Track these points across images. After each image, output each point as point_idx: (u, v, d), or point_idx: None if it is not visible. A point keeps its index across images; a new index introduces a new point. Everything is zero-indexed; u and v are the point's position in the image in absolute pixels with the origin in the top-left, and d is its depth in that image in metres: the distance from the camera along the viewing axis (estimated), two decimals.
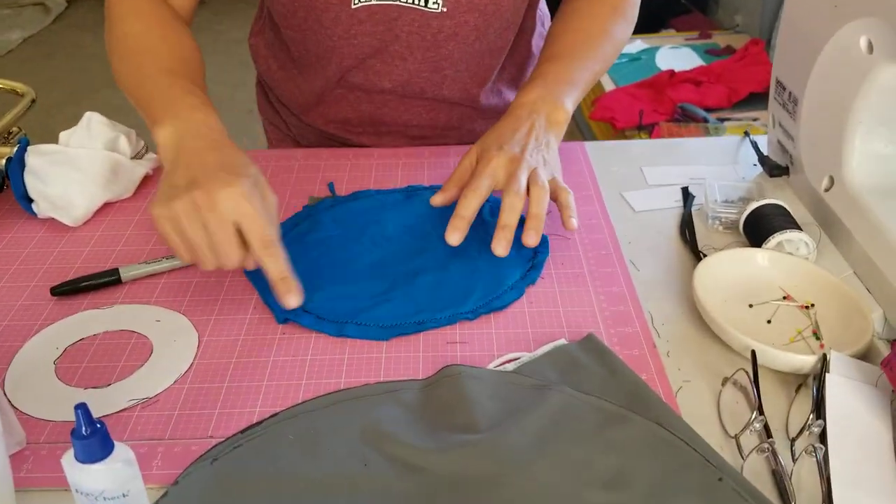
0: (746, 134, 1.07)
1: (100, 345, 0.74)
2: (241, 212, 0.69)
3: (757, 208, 0.85)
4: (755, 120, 2.53)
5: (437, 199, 0.85)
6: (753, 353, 0.68)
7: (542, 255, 0.84)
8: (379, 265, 0.83)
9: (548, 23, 1.15)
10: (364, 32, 0.96)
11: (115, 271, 0.81)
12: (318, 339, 0.74)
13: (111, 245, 0.87)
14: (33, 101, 1.28)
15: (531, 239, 0.78)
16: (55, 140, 0.92)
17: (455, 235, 0.79)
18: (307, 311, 0.76)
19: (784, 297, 0.78)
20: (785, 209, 0.85)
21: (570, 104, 0.89)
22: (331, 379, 0.69)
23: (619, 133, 2.52)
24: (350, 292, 0.79)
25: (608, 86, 2.74)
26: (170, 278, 0.82)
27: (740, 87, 2.61)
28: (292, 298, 0.71)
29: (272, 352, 0.73)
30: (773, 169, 0.94)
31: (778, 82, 0.92)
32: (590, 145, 1.07)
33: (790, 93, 0.89)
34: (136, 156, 0.96)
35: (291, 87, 1.09)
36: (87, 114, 0.94)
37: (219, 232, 0.69)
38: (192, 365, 0.71)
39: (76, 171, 0.90)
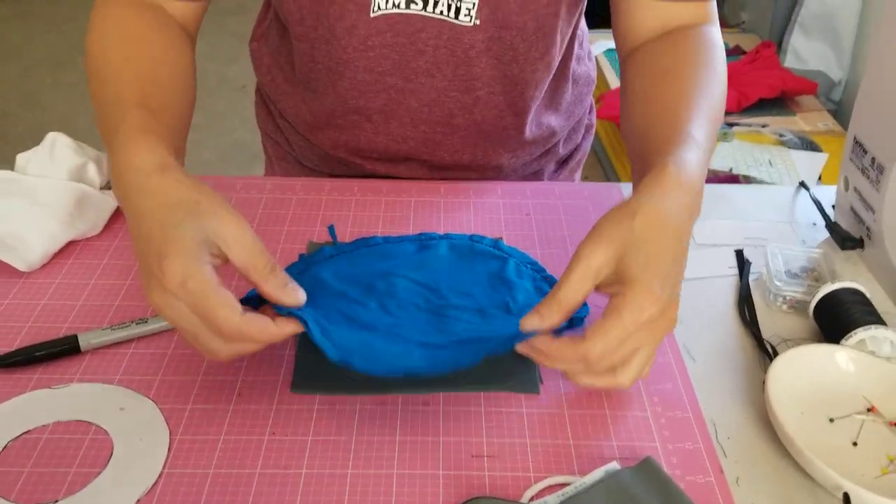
0: (803, 186, 0.94)
1: (48, 441, 0.60)
2: (194, 306, 0.55)
3: (831, 292, 0.73)
4: (764, 126, 2.46)
5: (530, 323, 0.59)
6: (846, 497, 0.56)
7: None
8: None
9: (586, 43, 1.01)
10: (383, 44, 0.82)
11: (74, 338, 0.67)
12: (314, 447, 0.61)
13: (71, 298, 0.73)
14: None
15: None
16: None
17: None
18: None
19: (869, 410, 0.66)
20: (864, 296, 0.73)
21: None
22: None
23: None
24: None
25: (614, 83, 2.59)
26: (139, 348, 0.68)
27: (750, 92, 2.52)
28: None
29: (259, 460, 0.59)
30: (846, 241, 0.81)
31: (857, 143, 0.79)
32: (627, 188, 0.94)
33: (874, 158, 0.76)
34: (108, 185, 0.82)
35: (298, 103, 0.95)
36: (51, 134, 0.79)
37: (198, 338, 0.58)
38: (160, 477, 0.58)
39: (34, 204, 0.76)
